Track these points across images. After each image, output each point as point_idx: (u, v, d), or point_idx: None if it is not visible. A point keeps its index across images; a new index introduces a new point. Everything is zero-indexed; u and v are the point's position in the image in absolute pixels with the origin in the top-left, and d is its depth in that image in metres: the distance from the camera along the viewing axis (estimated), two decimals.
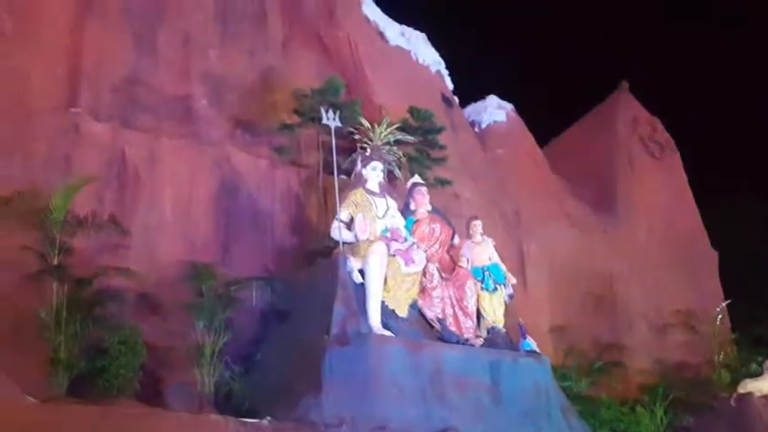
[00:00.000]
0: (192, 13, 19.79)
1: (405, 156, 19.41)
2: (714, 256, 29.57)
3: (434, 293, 15.74)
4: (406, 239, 15.53)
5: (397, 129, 19.16)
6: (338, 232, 15.41)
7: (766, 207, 34.08)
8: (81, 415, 11.53)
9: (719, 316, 25.38)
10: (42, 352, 13.99)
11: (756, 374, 21.15)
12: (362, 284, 14.80)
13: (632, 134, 30.17)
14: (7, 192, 14.96)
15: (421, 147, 20.28)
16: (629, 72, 33.85)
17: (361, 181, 16.04)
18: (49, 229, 14.57)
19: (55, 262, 14.48)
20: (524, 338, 16.41)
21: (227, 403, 14.82)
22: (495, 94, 28.11)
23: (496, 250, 17.27)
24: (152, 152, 17.62)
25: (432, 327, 15.61)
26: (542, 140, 29.33)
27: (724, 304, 26.32)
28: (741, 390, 20.48)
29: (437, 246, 16.57)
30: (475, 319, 16.21)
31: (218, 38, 20.05)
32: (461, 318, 15.95)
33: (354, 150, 17.97)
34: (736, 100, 38.13)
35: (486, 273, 16.68)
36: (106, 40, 18.11)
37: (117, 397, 13.47)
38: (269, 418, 13.00)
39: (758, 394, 20.26)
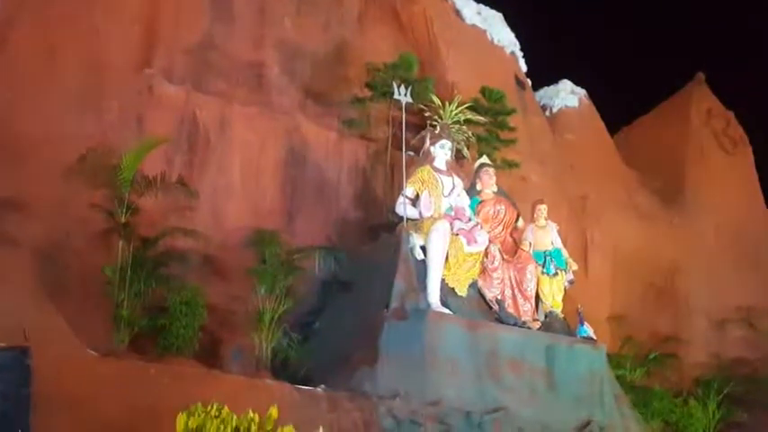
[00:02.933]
0: None
1: (474, 136, 19.22)
2: None
3: (495, 275, 15.62)
4: (470, 219, 15.42)
5: (468, 108, 19.00)
6: (403, 208, 15.35)
7: None
8: (140, 370, 11.65)
9: None
10: (106, 308, 14.15)
11: None
12: (424, 261, 14.77)
13: (705, 127, 29.56)
14: (80, 148, 15.04)
15: (491, 127, 20.07)
16: (707, 64, 33.03)
17: (428, 158, 15.91)
18: (118, 188, 14.60)
19: (122, 220, 14.52)
20: (582, 325, 16.25)
21: (283, 369, 14.88)
22: (568, 78, 27.68)
23: (560, 235, 17.05)
24: (223, 117, 17.64)
25: (490, 307, 15.52)
26: (614, 128, 28.89)
27: None
28: None
29: (500, 227, 16.44)
30: (533, 303, 16.08)
31: (294, 7, 20.02)
32: (520, 300, 15.83)
33: (424, 127, 17.85)
34: None
35: (548, 257, 16.49)
36: (183, 2, 18.18)
37: (176, 355, 13.62)
38: (323, 386, 13.03)
39: None
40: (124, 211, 14.57)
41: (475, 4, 24.45)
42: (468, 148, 18.88)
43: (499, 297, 15.63)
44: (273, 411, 10.04)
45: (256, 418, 9.80)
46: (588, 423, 14.69)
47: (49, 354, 10.65)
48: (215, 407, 9.67)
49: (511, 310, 15.59)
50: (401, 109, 16.44)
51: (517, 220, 16.78)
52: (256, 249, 16.03)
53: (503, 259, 15.82)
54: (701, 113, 29.75)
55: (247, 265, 15.90)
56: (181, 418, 9.54)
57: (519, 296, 15.87)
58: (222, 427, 9.61)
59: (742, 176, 29.48)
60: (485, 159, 17.55)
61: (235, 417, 9.72)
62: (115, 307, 14.10)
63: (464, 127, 18.64)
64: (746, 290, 25.99)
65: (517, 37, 25.47)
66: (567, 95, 27.23)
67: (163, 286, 14.61)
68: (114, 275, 14.13)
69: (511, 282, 15.88)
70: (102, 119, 16.25)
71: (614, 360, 18.46)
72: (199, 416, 9.59)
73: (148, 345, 14.15)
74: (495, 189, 16.82)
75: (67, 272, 14.12)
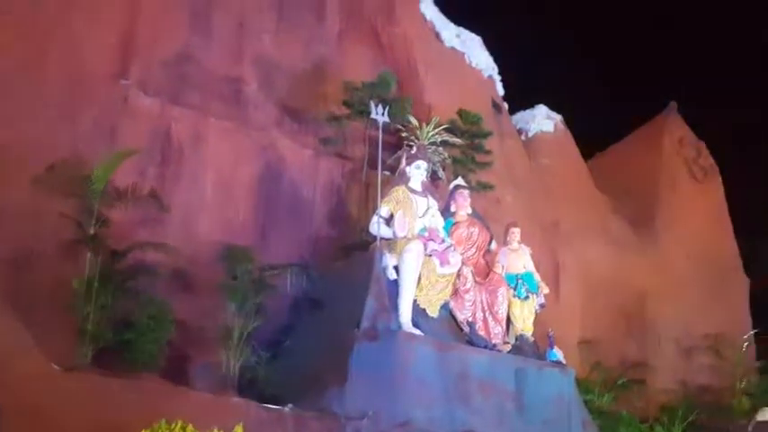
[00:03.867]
0: None
1: (450, 157, 19.19)
2: (746, 282, 29.10)
3: (467, 296, 15.50)
4: (443, 240, 15.28)
5: (445, 130, 18.95)
6: (377, 227, 15.17)
7: None
8: (103, 386, 11.46)
9: (746, 343, 25.02)
10: (72, 321, 13.82)
11: None
12: (396, 281, 14.63)
13: (677, 156, 29.74)
14: (51, 157, 14.75)
15: (467, 150, 20.02)
16: (679, 93, 33.18)
17: (404, 178, 15.76)
18: (89, 199, 14.33)
19: (91, 232, 14.23)
20: (552, 349, 16.22)
21: (250, 388, 14.63)
22: (544, 103, 27.68)
23: (532, 259, 16.97)
24: (198, 131, 17.44)
25: (461, 329, 15.41)
26: (588, 154, 28.92)
27: (752, 332, 25.90)
28: (759, 417, 20.94)
29: (474, 249, 16.35)
30: (504, 326, 15.98)
31: (274, 23, 19.88)
32: (491, 323, 15.73)
33: (400, 147, 17.78)
34: None
35: (520, 280, 16.42)
36: (162, 14, 17.98)
37: (141, 371, 13.33)
38: (290, 405, 12.90)
39: None
40: (93, 222, 14.28)
41: (454, 27, 24.42)
42: (443, 170, 18.84)
43: (470, 319, 15.50)
44: (239, 430, 9.94)
45: None
46: None
47: (11, 368, 10.52)
48: (179, 424, 9.60)
49: (482, 332, 15.47)
50: (378, 128, 16.26)
51: (490, 242, 16.68)
52: (227, 265, 15.74)
53: (475, 281, 15.70)
54: (674, 142, 29.92)
55: (218, 280, 15.62)
56: None
57: (490, 319, 15.76)
58: None
59: (712, 205, 29.67)
60: (460, 181, 17.48)
61: None
62: (81, 320, 13.75)
63: (440, 148, 18.59)
64: (714, 318, 26.10)
65: (495, 61, 25.47)
66: (542, 120, 27.26)
67: (130, 300, 14.28)
68: (81, 288, 13.80)
69: (482, 304, 15.75)
70: (75, 128, 15.93)
71: (583, 385, 18.39)
72: None
73: (113, 360, 13.73)
74: (470, 211, 16.74)
75: (33, 283, 13.79)
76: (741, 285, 28.96)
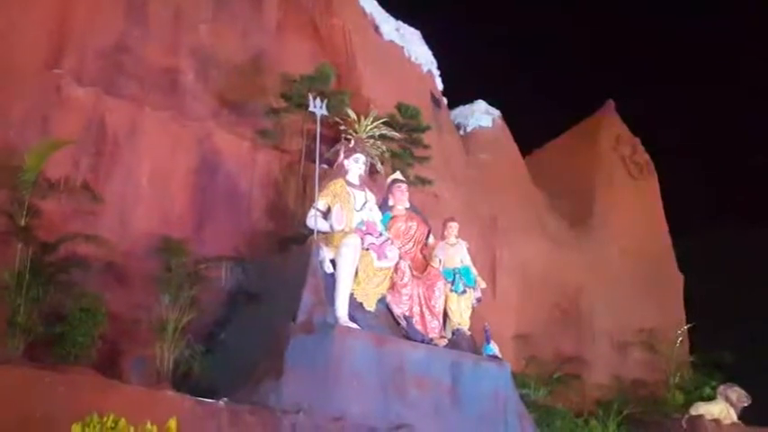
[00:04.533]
0: None
1: (388, 151, 19.17)
2: (680, 278, 29.58)
3: (404, 291, 15.53)
4: (381, 234, 15.30)
5: (383, 123, 18.93)
6: (314, 221, 15.16)
7: (734, 236, 34.14)
8: (34, 379, 11.26)
9: (680, 338, 25.37)
10: (2, 313, 13.63)
11: (709, 398, 21.66)
12: (333, 275, 14.61)
13: (613, 153, 30.11)
14: None
15: (405, 144, 20.04)
16: (616, 90, 33.64)
17: (341, 172, 15.76)
18: (19, 190, 14.15)
19: (22, 223, 14.05)
20: (488, 343, 16.31)
21: (185, 381, 14.50)
22: (483, 99, 27.85)
23: (469, 254, 17.07)
24: (133, 122, 17.24)
25: (398, 323, 15.43)
26: (526, 150, 29.16)
27: (685, 327, 26.30)
28: (693, 412, 21.00)
29: (411, 244, 16.39)
30: (441, 320, 16.04)
31: (211, 14, 19.74)
32: (428, 317, 15.78)
33: (338, 140, 17.73)
34: (717, 131, 38.15)
35: (457, 275, 16.47)
36: (97, 3, 17.77)
37: (73, 365, 13.15)
38: (225, 399, 12.75)
39: (709, 417, 20.65)
40: (24, 213, 14.09)
41: (394, 20, 24.47)
42: (382, 164, 18.83)
43: (407, 313, 15.54)
44: (172, 424, 9.86)
45: (155, 430, 9.61)
46: None
47: None
48: (111, 418, 9.48)
49: (418, 326, 15.51)
50: (316, 121, 16.20)
51: (428, 236, 16.75)
52: (162, 257, 15.62)
53: (412, 275, 15.74)
54: (610, 139, 30.30)
55: (152, 273, 15.49)
56: (75, 429, 9.31)
57: (427, 313, 15.81)
58: None
59: (647, 202, 30.09)
60: (398, 175, 17.50)
61: (132, 429, 9.53)
62: (11, 313, 13.56)
63: (378, 142, 18.58)
64: (648, 313, 26.46)
65: (434, 55, 25.55)
66: (481, 116, 27.41)
67: (62, 293, 14.10)
68: (12, 280, 13.62)
69: (420, 298, 15.80)
70: (6, 118, 15.67)
71: (519, 379, 18.53)
72: (94, 427, 9.39)
73: (45, 353, 13.62)
74: (408, 205, 16.78)
75: None
76: (675, 281, 29.41)
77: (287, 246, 16.96)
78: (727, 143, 37.97)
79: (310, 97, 16.52)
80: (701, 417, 20.58)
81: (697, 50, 40.00)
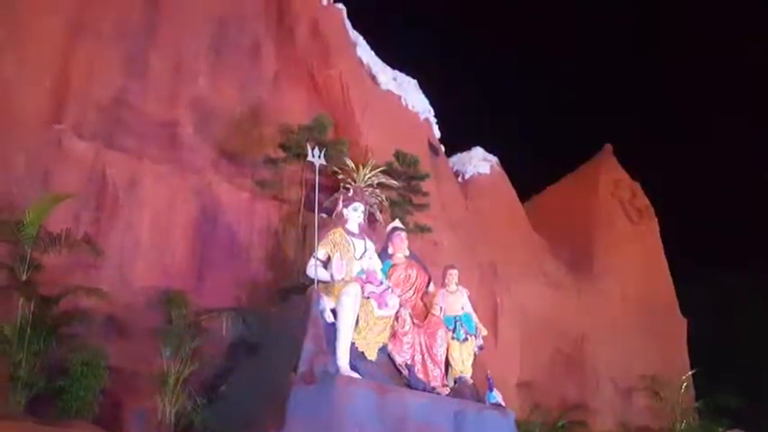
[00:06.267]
0: (186, 41, 19.71)
1: (387, 199, 19.09)
2: (683, 323, 29.58)
3: (405, 339, 15.46)
4: (381, 283, 15.27)
5: (382, 172, 18.87)
6: (314, 270, 15.12)
7: (736, 280, 34.11)
8: None
9: (684, 384, 25.25)
10: (4, 368, 13.66)
11: None
12: (334, 324, 14.56)
13: (612, 197, 30.24)
14: None
15: (404, 192, 20.14)
16: (615, 136, 33.90)
17: (341, 221, 15.78)
18: (21, 244, 14.25)
19: (24, 277, 14.14)
20: (491, 391, 16.14)
21: None
22: (481, 146, 28.05)
23: (470, 301, 17.03)
24: (133, 174, 17.44)
25: (400, 372, 15.32)
26: (524, 195, 29.31)
27: (690, 373, 26.21)
28: None
29: (412, 291, 16.34)
30: (443, 368, 15.91)
31: (210, 67, 19.97)
32: (430, 365, 15.67)
33: (337, 189, 17.70)
34: (719, 178, 38.32)
35: (458, 322, 16.40)
36: (96, 58, 18.01)
37: (75, 419, 13.23)
38: None
39: None
40: (26, 268, 14.18)
41: (390, 70, 24.70)
42: (381, 212, 18.77)
43: (409, 362, 15.46)
44: None
45: None
46: None
47: None
48: None
49: (420, 375, 15.42)
50: (314, 171, 16.27)
51: (428, 284, 16.72)
52: (163, 309, 15.72)
53: (413, 324, 15.69)
54: (609, 184, 30.44)
55: (153, 325, 15.56)
56: None
57: (429, 361, 15.72)
58: None
59: (647, 246, 30.14)
60: (397, 223, 17.46)
61: None
62: (13, 367, 13.61)
63: (377, 190, 18.52)
64: (651, 358, 26.42)
65: (432, 104, 25.78)
66: (479, 162, 27.58)
67: (64, 346, 14.17)
68: (13, 334, 13.68)
69: (421, 347, 15.74)
70: (7, 173, 15.91)
71: (523, 427, 18.43)
72: None
73: (47, 407, 13.64)
74: (408, 253, 16.75)
75: None
76: (678, 326, 29.40)
77: (287, 296, 16.97)
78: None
79: (308, 147, 16.55)
80: None
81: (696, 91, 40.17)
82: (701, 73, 39.25)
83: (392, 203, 19.44)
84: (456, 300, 16.74)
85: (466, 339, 16.34)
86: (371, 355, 15.00)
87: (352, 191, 16.74)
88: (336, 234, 15.48)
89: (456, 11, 39.61)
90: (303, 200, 18.74)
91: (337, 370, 14.02)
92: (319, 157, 16.25)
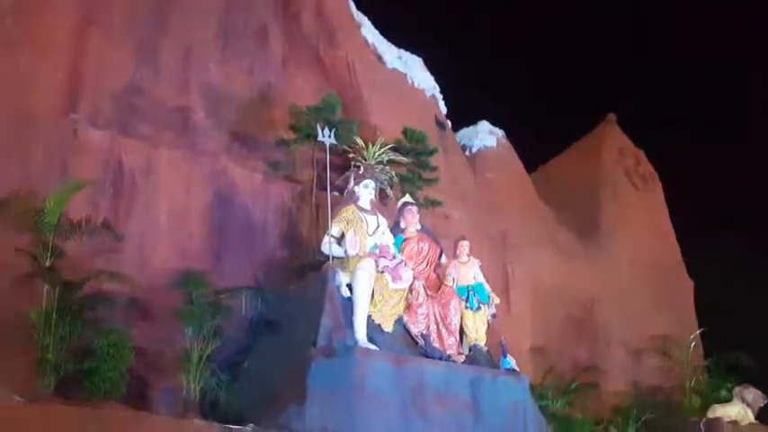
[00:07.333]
0: (195, 28, 19.62)
1: (397, 175, 19.29)
2: (690, 285, 29.58)
3: (420, 310, 15.62)
4: (394, 257, 15.41)
5: (391, 149, 19.06)
6: (329, 247, 15.29)
7: (740, 241, 34.04)
8: (67, 415, 11.44)
9: (693, 343, 25.34)
10: (31, 353, 13.75)
11: (726, 400, 21.48)
12: (350, 299, 14.72)
13: (617, 165, 30.16)
14: (3, 193, 14.81)
15: (413, 167, 20.12)
16: (617, 104, 33.69)
17: (353, 198, 15.89)
18: (43, 232, 14.31)
19: (47, 264, 14.20)
20: (505, 357, 16.34)
21: (212, 410, 14.67)
22: (486, 119, 27.96)
23: (482, 271, 17.14)
24: (149, 161, 17.44)
25: (416, 342, 15.50)
26: (531, 167, 29.23)
27: (698, 332, 26.25)
28: (710, 414, 20.85)
29: (424, 264, 16.50)
30: (458, 337, 16.10)
31: (219, 52, 19.90)
32: (445, 335, 15.85)
33: (348, 168, 17.84)
34: (720, 142, 38.06)
35: (471, 292, 16.56)
36: (108, 47, 17.93)
37: (103, 399, 13.32)
38: (252, 425, 12.91)
39: (726, 419, 20.52)
40: (49, 255, 14.24)
41: (396, 48, 24.61)
42: (391, 188, 18.94)
43: (424, 332, 15.62)
44: None
45: None
46: None
47: None
48: None
49: (436, 344, 15.58)
50: (325, 150, 16.41)
51: (440, 256, 16.85)
52: (183, 290, 15.71)
53: (427, 295, 15.83)
54: (613, 152, 30.35)
55: (175, 306, 15.59)
56: None
57: (444, 330, 15.88)
58: None
59: (653, 211, 30.10)
60: (408, 198, 17.63)
61: None
62: (40, 351, 13.69)
63: (387, 167, 18.70)
64: (660, 320, 26.43)
65: (437, 80, 25.68)
66: (485, 136, 27.49)
67: (89, 330, 14.20)
68: (39, 320, 13.75)
69: (435, 317, 15.88)
70: (27, 164, 15.90)
71: (537, 391, 18.53)
72: None
73: (75, 389, 13.70)
74: (419, 227, 16.89)
75: None
76: (685, 288, 29.39)
77: (303, 273, 17.04)
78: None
79: (318, 127, 16.70)
80: (718, 419, 20.45)
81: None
82: (697, 36, 38.84)
83: (402, 179, 19.50)
84: (468, 270, 16.88)
85: (479, 308, 16.50)
86: (388, 327, 15.16)
87: (362, 168, 16.88)
88: (349, 211, 15.61)
89: None
90: (315, 179, 18.71)
91: (355, 343, 14.18)
92: (329, 136, 16.41)
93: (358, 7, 23.58)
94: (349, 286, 14.84)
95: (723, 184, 37.50)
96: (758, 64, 38.48)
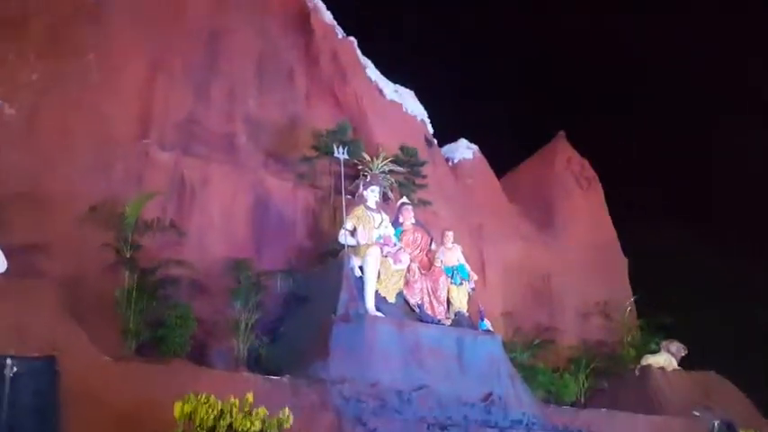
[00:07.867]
0: (238, 70, 19.75)
1: (396, 182, 19.35)
2: (625, 262, 29.41)
3: (415, 285, 15.75)
4: (395, 245, 15.56)
5: (390, 161, 19.18)
6: (344, 238, 15.44)
7: (671, 224, 34.06)
8: (145, 371, 11.62)
9: (628, 308, 25.23)
10: (117, 323, 13.97)
11: (655, 352, 21.40)
12: (361, 278, 14.83)
13: (566, 171, 29.99)
14: (94, 202, 15.04)
15: (408, 175, 20.12)
16: (569, 121, 33.49)
17: (362, 200, 16.03)
18: (124, 231, 14.53)
19: (127, 255, 14.43)
20: (482, 321, 16.44)
21: (256, 365, 14.71)
22: (464, 137, 28.00)
23: (463, 254, 17.24)
24: (204, 175, 17.50)
25: (413, 311, 15.60)
26: (500, 173, 29.17)
27: (632, 299, 26.19)
28: (643, 363, 20.92)
29: (418, 250, 16.61)
30: (445, 306, 16.19)
31: (257, 89, 19.95)
32: (435, 304, 15.96)
33: (358, 177, 17.98)
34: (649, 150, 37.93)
35: (455, 271, 16.65)
36: (171, 89, 18.05)
37: (172, 357, 13.40)
38: (288, 376, 12.95)
39: (655, 366, 20.62)
40: (129, 248, 14.47)
41: (393, 84, 24.58)
42: (391, 191, 19.00)
43: (419, 302, 15.74)
44: (249, 397, 10.06)
45: (237, 402, 9.81)
46: (490, 395, 14.83)
47: (73, 360, 10.62)
48: (204, 395, 9.67)
49: (429, 311, 15.70)
50: (340, 164, 16.61)
51: (430, 244, 16.93)
52: (232, 274, 15.88)
53: (421, 274, 15.95)
54: (563, 161, 30.19)
55: (226, 285, 15.76)
56: (178, 405, 9.54)
57: (434, 301, 15.99)
58: (210, 410, 9.58)
59: (595, 206, 29.90)
60: (405, 199, 17.76)
61: (220, 402, 9.71)
62: (124, 322, 13.94)
63: (388, 175, 18.79)
64: (603, 289, 26.30)
65: (425, 107, 25.64)
66: (464, 150, 27.42)
67: (160, 305, 14.40)
68: (122, 298, 14.00)
69: (428, 290, 16.00)
70: (110, 179, 16.04)
71: (508, 346, 18.47)
72: (192, 403, 9.58)
73: (150, 351, 13.89)
74: (413, 221, 17.00)
75: (86, 297, 13.74)
76: (621, 263, 29.26)
77: (325, 258, 17.08)
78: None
79: (334, 146, 16.88)
80: (649, 366, 20.58)
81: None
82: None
83: (400, 185, 19.54)
84: (452, 254, 16.96)
85: (461, 283, 16.58)
86: (391, 298, 15.27)
87: (369, 177, 17.02)
88: (359, 210, 15.74)
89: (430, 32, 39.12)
90: (332, 186, 18.76)
91: (366, 311, 14.27)
92: (343, 153, 16.55)
93: (363, 53, 23.65)
94: (360, 268, 14.95)
95: (653, 179, 37.29)
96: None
